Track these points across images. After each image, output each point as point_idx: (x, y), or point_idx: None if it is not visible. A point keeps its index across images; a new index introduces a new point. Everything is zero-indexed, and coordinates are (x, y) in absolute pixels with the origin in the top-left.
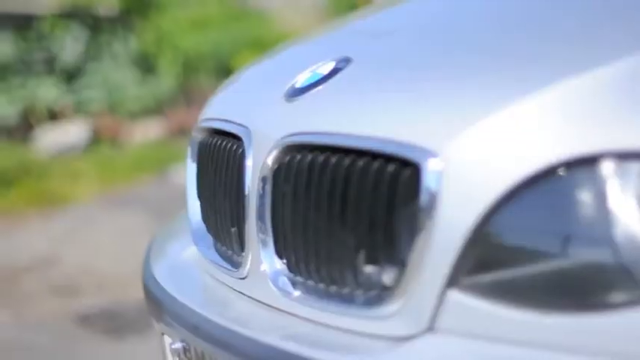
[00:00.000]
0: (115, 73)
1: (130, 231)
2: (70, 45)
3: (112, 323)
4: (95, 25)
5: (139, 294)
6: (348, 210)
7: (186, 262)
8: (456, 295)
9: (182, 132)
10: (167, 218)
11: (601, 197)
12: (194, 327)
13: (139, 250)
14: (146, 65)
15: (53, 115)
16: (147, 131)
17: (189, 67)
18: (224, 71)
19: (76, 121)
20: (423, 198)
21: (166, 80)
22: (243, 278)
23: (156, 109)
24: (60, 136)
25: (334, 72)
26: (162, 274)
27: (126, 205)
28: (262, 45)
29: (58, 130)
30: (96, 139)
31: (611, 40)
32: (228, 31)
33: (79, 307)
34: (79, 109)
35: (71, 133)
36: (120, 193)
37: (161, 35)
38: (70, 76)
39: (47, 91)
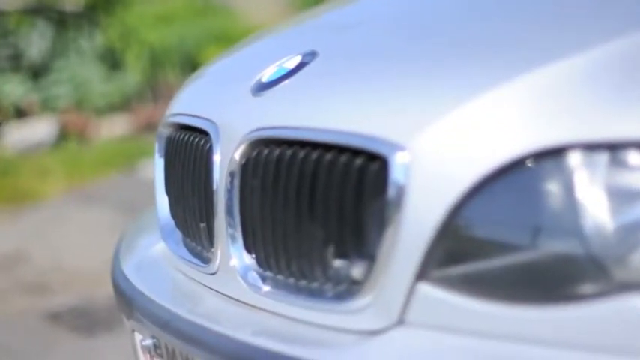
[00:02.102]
0: (81, 69)
1: (100, 227)
2: (36, 41)
3: (82, 320)
4: (61, 21)
5: (109, 290)
6: (317, 204)
7: (155, 258)
8: (425, 288)
9: (150, 127)
10: (136, 214)
11: (569, 188)
12: (164, 323)
13: (109, 246)
14: (112, 61)
15: (20, 112)
16: (114, 127)
17: (155, 62)
18: (190, 66)
19: (43, 118)
20: (391, 191)
21: (133, 75)
22: (213, 274)
23: (123, 104)
24: (27, 132)
25: (300, 66)
26: (131, 270)
27: (95, 202)
28: (228, 39)
29: (25, 127)
30: (63, 136)
31: (579, 30)
32: (194, 25)
33: (49, 305)
34: (46, 106)
35: (38, 129)
36: (88, 190)
37: (127, 30)
38: (37, 72)
39: (13, 88)
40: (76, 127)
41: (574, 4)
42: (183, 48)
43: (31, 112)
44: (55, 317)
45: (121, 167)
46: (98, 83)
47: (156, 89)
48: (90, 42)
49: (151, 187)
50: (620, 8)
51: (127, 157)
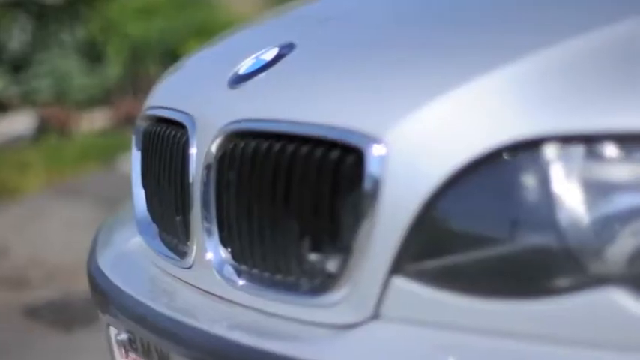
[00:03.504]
0: (62, 63)
1: (79, 221)
2: (16, 34)
3: (60, 315)
4: (41, 14)
5: (87, 285)
6: (292, 197)
7: (131, 251)
8: (400, 282)
9: (130, 121)
10: (116, 208)
11: (545, 181)
12: (139, 318)
13: (88, 241)
14: (93, 54)
15: (0, 106)
16: (95, 120)
17: (136, 56)
18: (171, 59)
19: (23, 112)
20: (367, 184)
21: (114, 69)
22: (189, 267)
23: (104, 98)
24: (7, 126)
25: (277, 58)
26: (107, 264)
27: (74, 195)
28: (210, 32)
29: (6, 120)
30: (44, 129)
31: (553, 23)
32: (175, 18)
33: (27, 299)
34: (27, 99)
35: (18, 123)
36: (68, 183)
37: (108, 24)
38: (17, 66)
39: None
40: (56, 121)
41: (545, 1)
42: (165, 41)
43: (11, 106)
44: (33, 312)
45: (101, 161)
46: (79, 77)
47: (137, 83)
48: (71, 35)
49: (130, 180)
50: (591, 1)
51: (107, 150)
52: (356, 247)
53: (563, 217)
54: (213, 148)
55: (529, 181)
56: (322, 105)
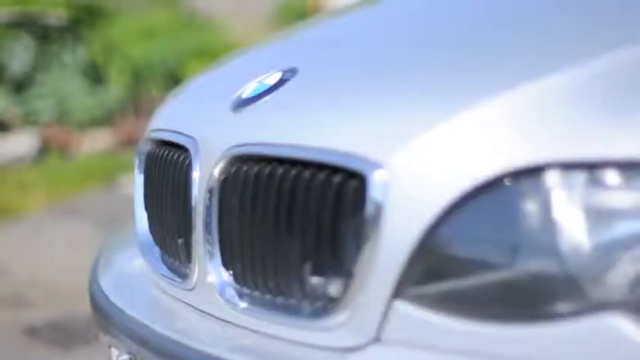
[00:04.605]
0: (64, 83)
1: (79, 242)
2: (18, 55)
3: (60, 334)
4: (44, 35)
5: (87, 305)
6: (295, 221)
7: (133, 273)
8: (402, 306)
9: (131, 142)
10: (116, 228)
11: (546, 207)
12: (141, 339)
13: (88, 261)
14: (95, 75)
15: (2, 126)
16: (96, 141)
17: (138, 77)
18: (173, 81)
19: (24, 132)
20: (369, 209)
21: (115, 90)
22: (191, 290)
23: (105, 119)
24: (8, 146)
25: (281, 82)
26: (109, 285)
27: (75, 216)
28: (211, 54)
29: (7, 140)
30: (45, 150)
31: (556, 50)
32: (177, 40)
33: (27, 319)
34: (28, 120)
35: (19, 143)
36: (69, 204)
37: (110, 45)
38: (19, 86)
39: None
40: (57, 141)
41: (556, 24)
42: (166, 63)
43: (13, 126)
44: (33, 331)
45: (102, 182)
46: (80, 97)
47: (138, 104)
48: (73, 56)
49: (131, 202)
50: (603, 27)
51: (108, 172)
52: (358, 271)
53: (564, 243)
54: (216, 172)
55: (530, 207)
56: (325, 129)
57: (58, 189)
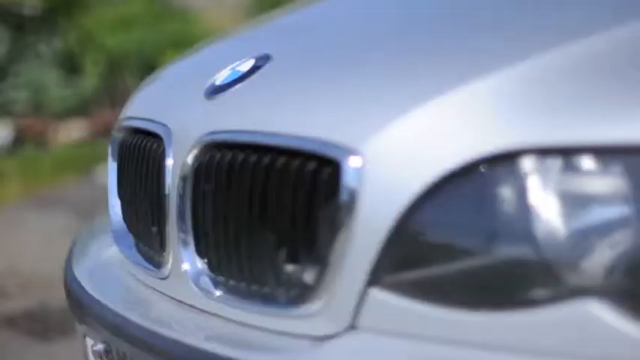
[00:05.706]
0: (39, 74)
1: (56, 232)
2: None
3: (37, 325)
4: (19, 26)
5: (64, 295)
6: (269, 209)
7: (108, 262)
8: (377, 293)
9: (107, 132)
10: (92, 218)
11: (522, 193)
12: (115, 328)
13: (65, 251)
14: (71, 65)
15: None
16: (72, 131)
17: (113, 67)
18: (149, 70)
19: (0, 123)
20: (343, 196)
21: (91, 80)
22: (165, 278)
23: (81, 109)
24: None
25: (254, 69)
26: (83, 274)
27: (51, 206)
28: (187, 44)
29: None
30: (20, 140)
31: (531, 35)
32: (153, 30)
33: (4, 309)
34: (3, 110)
35: None
36: (45, 194)
37: (85, 34)
38: None
39: None
40: (33, 132)
41: (525, 10)
42: (142, 53)
43: None
44: (10, 322)
45: (78, 172)
46: (56, 88)
47: (114, 94)
48: (48, 46)
49: (107, 191)
50: (571, 13)
51: (84, 161)
52: (333, 258)
53: (540, 230)
54: (190, 160)
55: (506, 193)
56: (299, 116)
57: (34, 179)
